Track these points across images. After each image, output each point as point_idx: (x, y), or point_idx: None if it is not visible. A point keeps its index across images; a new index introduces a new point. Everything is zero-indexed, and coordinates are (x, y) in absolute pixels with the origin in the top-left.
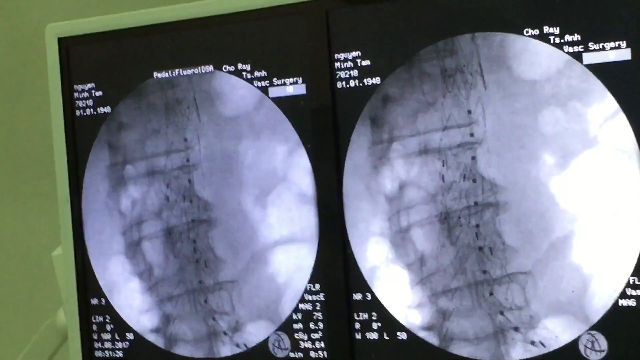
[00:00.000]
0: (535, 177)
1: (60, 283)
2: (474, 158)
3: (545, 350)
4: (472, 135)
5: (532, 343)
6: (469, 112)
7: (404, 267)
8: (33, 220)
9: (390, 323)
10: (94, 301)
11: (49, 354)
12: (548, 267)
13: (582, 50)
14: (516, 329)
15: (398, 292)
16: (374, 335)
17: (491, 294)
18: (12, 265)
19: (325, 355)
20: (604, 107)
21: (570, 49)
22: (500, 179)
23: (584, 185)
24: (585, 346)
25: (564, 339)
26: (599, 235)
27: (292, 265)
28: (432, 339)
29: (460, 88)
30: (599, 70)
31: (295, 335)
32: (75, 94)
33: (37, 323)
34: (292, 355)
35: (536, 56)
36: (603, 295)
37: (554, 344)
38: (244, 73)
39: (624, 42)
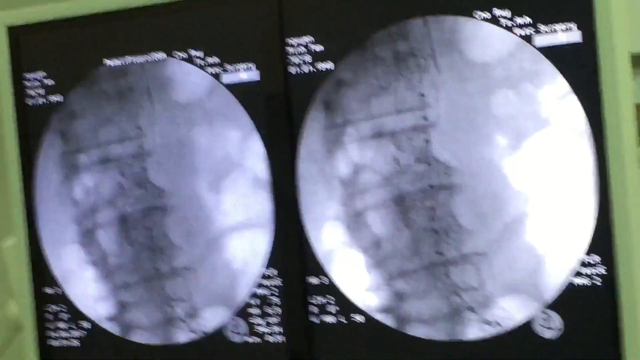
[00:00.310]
0: (489, 159)
1: (12, 274)
2: (427, 141)
3: (500, 330)
4: (425, 118)
5: (488, 323)
6: (422, 95)
7: (360, 250)
8: None
9: (346, 306)
10: (49, 291)
11: (0, 344)
12: (502, 247)
13: (533, 32)
14: (471, 309)
15: (354, 276)
16: (330, 319)
17: (447, 275)
18: None
19: (283, 340)
20: (555, 88)
21: (521, 32)
22: (454, 161)
23: (536, 166)
24: (540, 325)
25: (519, 318)
26: (552, 216)
27: (247, 250)
28: (388, 321)
29: (413, 72)
30: (550, 52)
31: (252, 320)
32: (26, 83)
33: None
34: (249, 340)
35: (487, 39)
36: (557, 274)
37: (510, 323)
38: (197, 59)
39: (574, 24)
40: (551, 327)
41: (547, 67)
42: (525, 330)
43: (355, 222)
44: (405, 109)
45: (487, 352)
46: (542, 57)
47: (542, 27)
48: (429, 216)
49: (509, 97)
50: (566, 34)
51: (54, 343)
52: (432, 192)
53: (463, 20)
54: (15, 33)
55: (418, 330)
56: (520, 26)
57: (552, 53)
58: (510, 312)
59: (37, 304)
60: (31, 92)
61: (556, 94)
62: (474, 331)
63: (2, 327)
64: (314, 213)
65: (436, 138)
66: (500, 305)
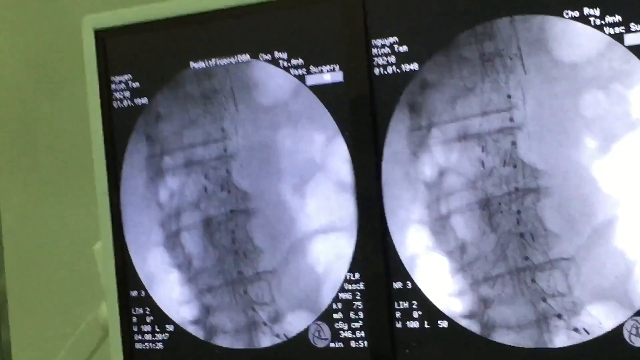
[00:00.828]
0: (577, 162)
1: (102, 276)
2: (514, 143)
3: (588, 337)
4: (511, 120)
5: (576, 330)
6: (509, 96)
7: (444, 254)
8: (74, 215)
9: (431, 311)
10: (134, 293)
11: (92, 348)
12: (591, 252)
13: (624, 31)
14: (559, 316)
15: (438, 280)
16: (414, 324)
17: (533, 280)
18: (54, 261)
19: (366, 345)
20: None
21: (612, 31)
22: (541, 164)
23: (626, 168)
24: (630, 332)
25: (608, 325)
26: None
27: (331, 254)
28: (473, 327)
29: (500, 72)
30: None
31: (336, 325)
32: (113, 86)
33: (81, 318)
34: (332, 345)
35: (576, 38)
36: None
37: (598, 331)
38: (281, 61)
39: None
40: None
41: (638, 66)
42: (614, 337)
43: (439, 225)
44: (491, 111)
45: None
46: (633, 56)
47: (633, 26)
48: (515, 220)
49: (598, 98)
50: None
51: (138, 346)
52: (519, 196)
53: (551, 19)
54: (102, 36)
55: (504, 338)
56: (611, 25)
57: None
58: (599, 319)
59: (123, 307)
60: (117, 95)
61: None
62: (562, 339)
63: (95, 330)
64: (398, 216)
65: (523, 140)
66: (588, 312)
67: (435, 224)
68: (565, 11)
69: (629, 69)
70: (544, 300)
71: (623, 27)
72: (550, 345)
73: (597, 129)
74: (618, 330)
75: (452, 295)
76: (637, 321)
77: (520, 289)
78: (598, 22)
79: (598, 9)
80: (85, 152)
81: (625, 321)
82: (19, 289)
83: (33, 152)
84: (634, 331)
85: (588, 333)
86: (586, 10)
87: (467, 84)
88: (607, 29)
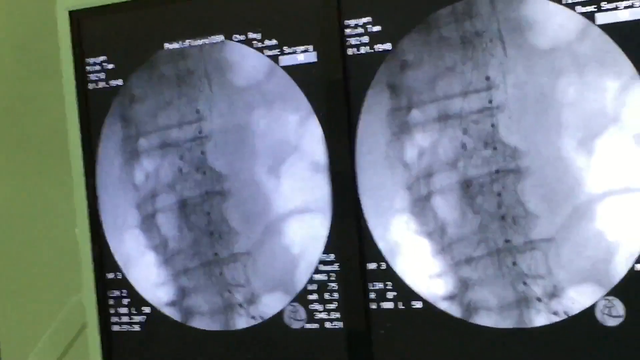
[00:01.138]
0: (556, 143)
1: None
2: (493, 125)
3: (565, 317)
4: (490, 102)
5: (555, 313)
6: (487, 78)
7: (424, 236)
8: (54, 198)
9: (405, 292)
10: (111, 276)
11: (75, 330)
12: (571, 233)
13: (595, 10)
14: (538, 298)
15: (418, 262)
16: (389, 305)
17: (514, 263)
18: (35, 245)
19: (341, 326)
20: (621, 70)
21: (583, 9)
22: (522, 145)
23: (604, 150)
24: (602, 312)
25: (583, 304)
26: (621, 202)
27: (306, 235)
28: (453, 308)
29: (480, 53)
30: (612, 30)
31: (311, 306)
32: (88, 67)
33: (64, 301)
34: (307, 326)
35: (552, 18)
36: (621, 260)
37: (575, 311)
38: (255, 42)
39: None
40: (613, 314)
41: (613, 48)
42: (588, 317)
43: (419, 207)
44: (470, 91)
45: (550, 340)
46: (607, 37)
47: (604, 4)
48: (496, 202)
49: (575, 80)
50: (629, 11)
51: (115, 328)
52: (499, 177)
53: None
54: (77, 17)
55: (485, 319)
56: (583, 3)
57: (615, 31)
58: (578, 300)
59: (100, 289)
60: (92, 77)
61: (622, 78)
62: (540, 319)
63: (78, 312)
64: (374, 198)
65: (503, 121)
66: (567, 294)
67: (415, 205)
68: None
69: (603, 50)
70: (525, 283)
71: (595, 6)
72: (530, 325)
73: (575, 111)
74: (590, 310)
75: (432, 277)
76: (609, 301)
77: (500, 271)
78: (570, 0)
79: None
80: (63, 135)
81: (598, 301)
82: (1, 273)
83: (11, 135)
84: (606, 311)
85: (567, 315)
86: None
87: (448, 64)
88: (578, 8)
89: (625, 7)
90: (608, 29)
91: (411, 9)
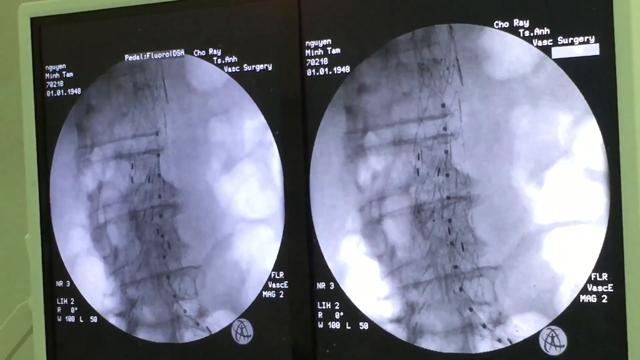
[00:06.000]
0: (507, 173)
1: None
2: (446, 152)
3: (509, 345)
4: (445, 129)
5: (499, 340)
6: (443, 105)
7: (374, 258)
8: (4, 204)
9: (352, 313)
10: (59, 283)
11: (21, 336)
12: (518, 262)
13: (551, 44)
14: (484, 324)
15: (366, 283)
16: (335, 325)
17: (461, 289)
18: None
19: (288, 343)
20: (574, 104)
21: (540, 43)
22: (474, 173)
23: (555, 182)
24: (546, 341)
25: (527, 333)
26: (566, 232)
27: (256, 252)
28: (399, 331)
29: (437, 81)
30: (567, 65)
31: (258, 323)
32: (47, 75)
33: (11, 307)
34: (254, 342)
35: (509, 50)
36: (565, 291)
37: (519, 338)
38: (215, 58)
39: (593, 37)
40: (555, 343)
41: (566, 82)
42: (532, 346)
43: (370, 229)
44: (427, 117)
45: None
46: (562, 71)
47: (561, 39)
48: (446, 228)
49: (529, 111)
50: (584, 47)
51: (62, 335)
52: (450, 203)
53: (486, 30)
54: (38, 24)
55: (430, 343)
56: (540, 37)
57: (570, 66)
58: (522, 328)
59: (47, 296)
60: (51, 84)
61: (574, 111)
62: (485, 346)
63: (25, 318)
64: (326, 218)
65: (457, 149)
66: (512, 322)
67: (366, 228)
68: (496, 22)
69: (558, 84)
70: (471, 309)
71: (551, 40)
72: (474, 351)
73: (527, 142)
74: (534, 338)
75: (380, 299)
76: (552, 330)
77: (447, 296)
78: (527, 33)
79: (528, 20)
80: (19, 141)
81: (542, 330)
82: None
83: None
84: (549, 340)
85: (511, 342)
86: (516, 22)
87: (405, 89)
88: (535, 41)
89: (580, 43)
90: (563, 63)
91: (371, 33)
